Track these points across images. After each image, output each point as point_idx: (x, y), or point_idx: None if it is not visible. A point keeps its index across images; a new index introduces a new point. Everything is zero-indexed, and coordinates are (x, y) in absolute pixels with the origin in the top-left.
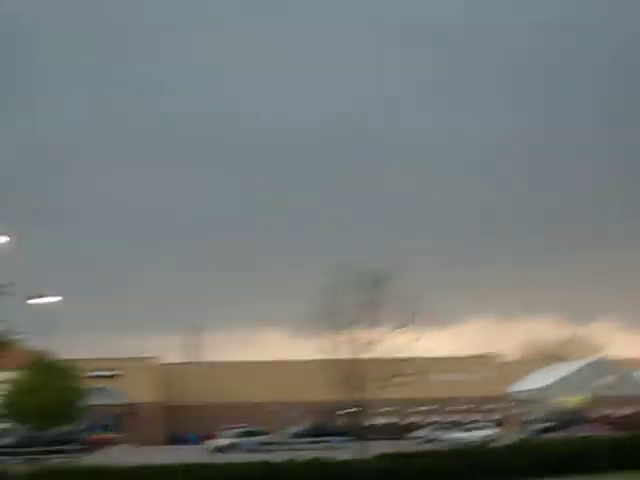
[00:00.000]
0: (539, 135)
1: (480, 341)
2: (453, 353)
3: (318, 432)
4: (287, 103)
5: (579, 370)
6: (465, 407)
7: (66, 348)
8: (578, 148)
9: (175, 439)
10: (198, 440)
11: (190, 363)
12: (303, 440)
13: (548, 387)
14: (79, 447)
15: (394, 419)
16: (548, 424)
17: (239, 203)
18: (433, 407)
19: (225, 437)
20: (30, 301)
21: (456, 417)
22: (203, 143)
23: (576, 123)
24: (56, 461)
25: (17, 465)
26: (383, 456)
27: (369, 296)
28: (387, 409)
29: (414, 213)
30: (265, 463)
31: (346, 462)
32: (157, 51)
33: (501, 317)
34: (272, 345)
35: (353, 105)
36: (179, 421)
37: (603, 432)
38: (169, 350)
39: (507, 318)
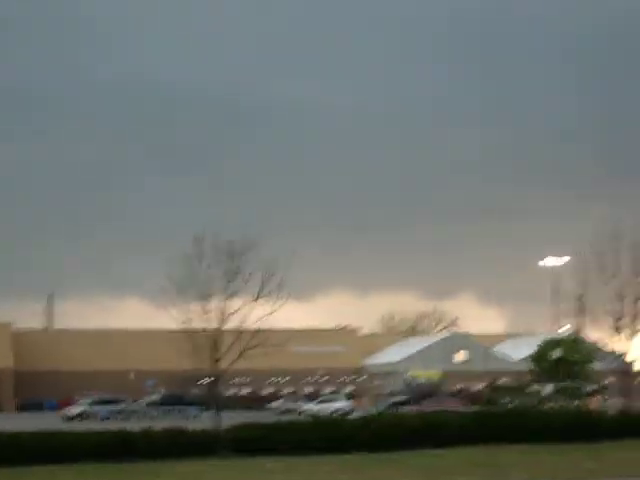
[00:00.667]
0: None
1: (340, 314)
2: (313, 325)
3: (174, 401)
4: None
5: (435, 344)
6: (322, 379)
7: None
8: None
9: (28, 406)
10: (56, 407)
11: (45, 330)
12: (158, 409)
13: (404, 360)
14: None
15: (251, 390)
16: (403, 397)
17: (96, 170)
18: (290, 378)
19: (79, 405)
20: None
21: (313, 389)
22: None
23: None
24: None
25: None
26: (238, 426)
27: (229, 267)
28: (244, 380)
29: (280, 182)
30: (119, 432)
31: (202, 431)
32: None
33: (361, 291)
34: (133, 314)
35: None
36: (32, 388)
37: (457, 406)
38: (24, 316)
39: (367, 292)
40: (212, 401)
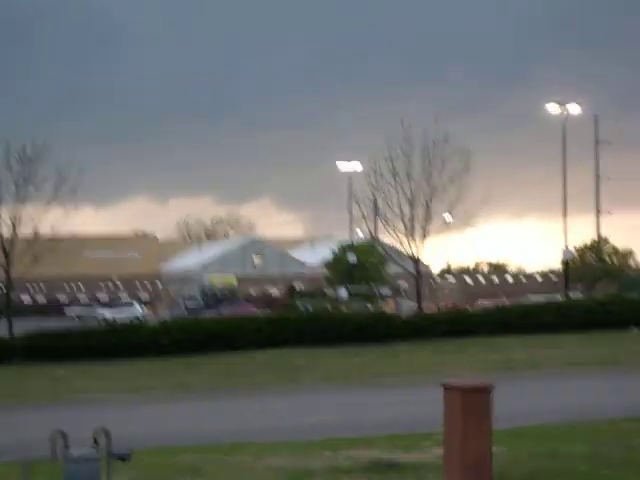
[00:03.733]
0: None
1: (140, 220)
2: (109, 231)
3: None
4: None
5: (232, 249)
6: (118, 285)
7: None
8: None
9: None
10: None
11: None
12: None
13: (201, 266)
14: None
15: (46, 297)
16: (200, 303)
17: None
18: (86, 285)
19: None
20: None
21: (108, 295)
22: None
23: None
24: None
25: None
26: (31, 334)
27: (21, 172)
28: (37, 286)
29: (74, 89)
30: None
31: None
32: None
33: (157, 196)
34: None
35: None
36: None
37: (254, 311)
38: None
39: (164, 197)
40: (4, 309)
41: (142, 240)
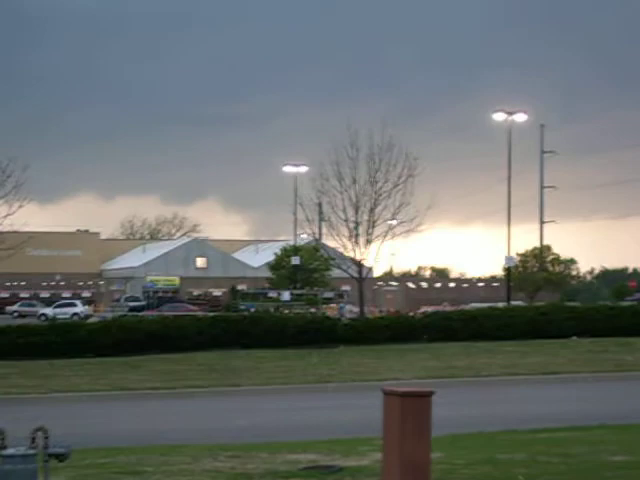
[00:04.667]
0: None
1: (85, 218)
2: (52, 229)
3: None
4: None
5: (175, 250)
6: (60, 283)
7: None
8: None
9: None
10: None
11: None
12: None
13: (144, 266)
14: None
15: None
16: (142, 302)
17: None
18: (27, 282)
19: None
20: None
21: (50, 293)
22: None
23: None
24: None
25: None
26: None
27: None
28: None
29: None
30: None
31: None
32: None
33: (102, 195)
34: None
35: None
36: None
37: (196, 312)
38: None
39: (108, 196)
40: None
41: (85, 238)
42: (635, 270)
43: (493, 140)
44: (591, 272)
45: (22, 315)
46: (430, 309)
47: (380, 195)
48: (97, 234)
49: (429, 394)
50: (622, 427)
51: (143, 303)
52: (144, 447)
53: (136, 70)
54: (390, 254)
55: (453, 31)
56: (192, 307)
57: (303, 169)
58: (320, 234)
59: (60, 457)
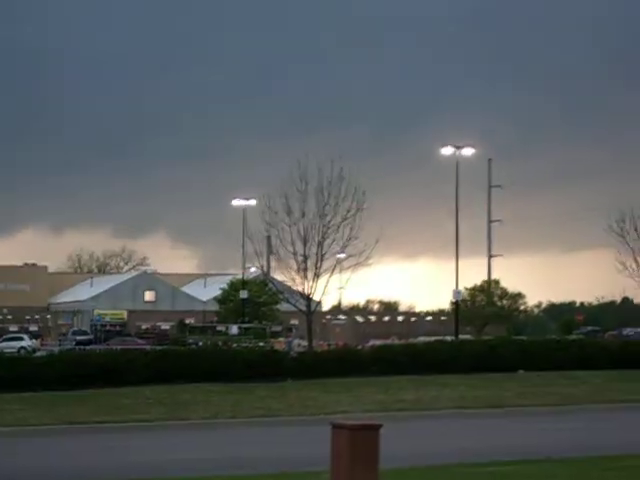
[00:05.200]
0: None
1: (33, 251)
2: (0, 262)
3: None
4: None
5: (123, 283)
6: (8, 317)
7: None
8: None
9: None
10: None
11: None
12: None
13: (92, 299)
14: None
15: None
16: (89, 336)
17: None
18: None
19: None
20: None
21: None
22: None
23: None
24: None
25: None
26: None
27: None
28: None
29: None
30: None
31: None
32: None
33: (50, 228)
34: None
35: None
36: None
37: (144, 345)
38: None
39: (56, 230)
40: None
41: (32, 271)
42: (582, 304)
43: (442, 174)
44: (538, 306)
45: None
46: (378, 342)
47: (329, 228)
48: (45, 267)
49: (377, 427)
50: (568, 461)
51: (91, 337)
52: None
53: (80, 102)
54: (338, 288)
55: (405, 64)
56: (140, 341)
57: (252, 202)
58: (269, 267)
59: None
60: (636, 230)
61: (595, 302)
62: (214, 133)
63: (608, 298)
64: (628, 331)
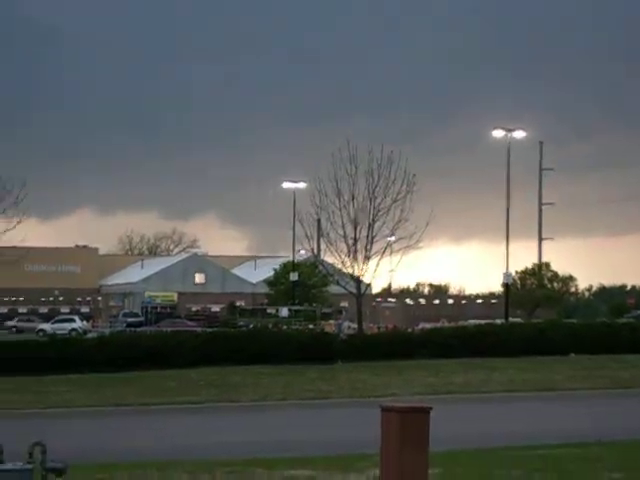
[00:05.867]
0: None
1: (83, 233)
2: (52, 244)
3: None
4: None
5: (174, 265)
6: (59, 298)
7: None
8: None
9: None
10: None
11: None
12: None
13: (142, 281)
14: None
15: None
16: (140, 318)
17: None
18: (26, 297)
19: None
20: None
21: (49, 308)
22: None
23: None
24: None
25: None
26: None
27: None
28: None
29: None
30: None
31: None
32: None
33: (101, 211)
34: None
35: None
36: None
37: (195, 327)
38: None
39: (107, 212)
40: None
41: (83, 253)
42: (633, 287)
43: (493, 157)
44: (589, 289)
45: (20, 330)
46: (428, 325)
47: (379, 211)
48: (96, 249)
49: (427, 410)
50: (618, 444)
51: (142, 319)
52: (141, 463)
53: (126, 86)
54: (389, 270)
55: (453, 50)
56: (190, 323)
57: (302, 185)
58: (319, 250)
59: (58, 472)
60: None
61: None
62: (262, 115)
63: None
64: None
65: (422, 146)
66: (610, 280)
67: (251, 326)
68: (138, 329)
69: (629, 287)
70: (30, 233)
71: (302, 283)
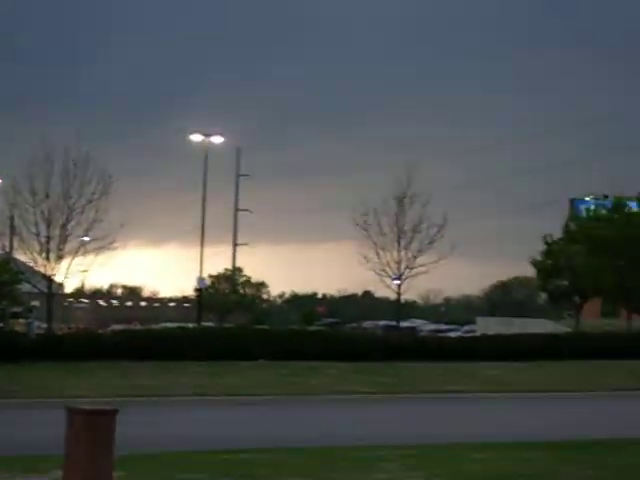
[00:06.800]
0: None
1: None
2: None
3: None
4: None
5: None
6: None
7: None
8: None
9: None
10: None
11: None
12: None
13: None
14: None
15: None
16: None
17: None
18: None
19: None
20: None
21: None
22: None
23: None
24: None
25: None
26: None
27: None
28: None
29: None
30: None
31: None
32: None
33: None
34: None
35: None
36: None
37: None
38: None
39: None
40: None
41: None
42: (324, 296)
43: (194, 161)
44: (281, 296)
45: None
46: (120, 327)
47: (73, 211)
48: None
49: (113, 412)
50: (300, 450)
51: None
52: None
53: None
54: (82, 271)
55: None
56: None
57: None
58: (11, 248)
59: None
60: (379, 225)
61: (337, 294)
62: None
63: (350, 291)
64: (368, 324)
65: (122, 147)
66: (302, 288)
67: None
68: None
69: (320, 295)
70: None
71: None
